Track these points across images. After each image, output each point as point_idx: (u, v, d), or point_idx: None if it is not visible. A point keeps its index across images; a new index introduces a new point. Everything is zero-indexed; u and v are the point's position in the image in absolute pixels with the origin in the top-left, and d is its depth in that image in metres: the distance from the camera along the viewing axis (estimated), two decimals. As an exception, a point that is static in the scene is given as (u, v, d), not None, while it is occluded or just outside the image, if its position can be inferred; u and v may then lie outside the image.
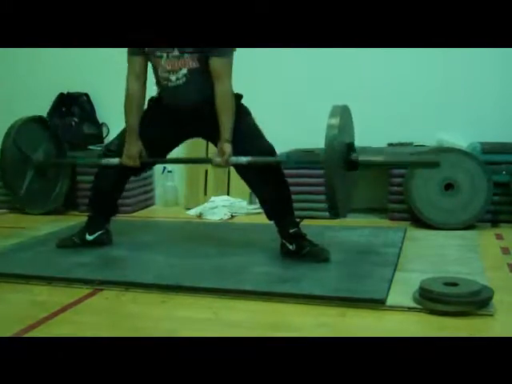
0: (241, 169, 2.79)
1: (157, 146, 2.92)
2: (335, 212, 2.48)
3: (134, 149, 2.85)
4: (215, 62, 2.67)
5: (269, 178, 2.74)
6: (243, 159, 2.73)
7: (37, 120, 3.10)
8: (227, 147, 2.68)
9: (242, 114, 2.79)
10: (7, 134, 2.90)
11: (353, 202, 2.68)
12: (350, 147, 2.60)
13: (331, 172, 2.36)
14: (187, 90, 2.75)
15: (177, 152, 4.42)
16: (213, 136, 2.82)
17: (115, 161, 2.90)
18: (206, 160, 2.95)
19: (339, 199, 2.42)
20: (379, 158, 2.80)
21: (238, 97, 2.83)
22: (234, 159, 2.71)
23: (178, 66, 2.71)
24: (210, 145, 4.08)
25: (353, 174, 2.72)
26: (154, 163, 3.13)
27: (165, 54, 2.70)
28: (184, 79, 2.73)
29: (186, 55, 2.67)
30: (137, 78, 2.82)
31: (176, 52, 2.67)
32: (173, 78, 2.74)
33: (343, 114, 2.46)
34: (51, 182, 3.17)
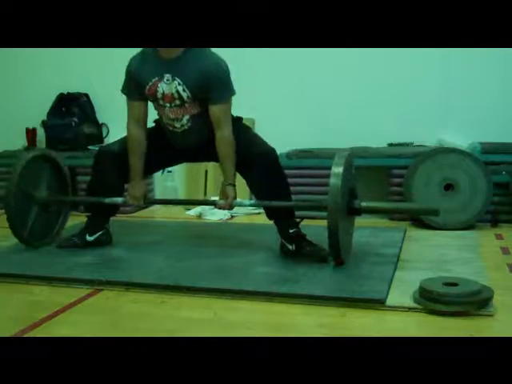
0: (242, 169, 2.80)
1: (154, 164, 3.00)
2: (338, 260, 2.55)
3: (139, 190, 2.91)
4: (214, 109, 2.72)
5: (269, 179, 2.75)
6: (246, 202, 2.88)
7: (38, 157, 3.12)
8: (231, 191, 2.76)
9: (242, 128, 2.88)
10: (11, 178, 2.94)
11: (352, 245, 2.78)
12: (352, 193, 2.65)
13: (335, 222, 2.41)
14: (190, 135, 2.83)
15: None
16: (213, 159, 2.89)
17: (119, 200, 2.94)
18: (209, 202, 3.06)
19: (342, 246, 2.49)
20: (380, 205, 2.92)
21: (238, 119, 2.89)
22: (237, 202, 2.81)
23: (181, 113, 2.77)
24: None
25: (353, 219, 2.80)
26: (160, 204, 3.16)
27: (168, 104, 2.75)
28: (188, 124, 2.79)
29: (187, 104, 2.73)
30: (137, 123, 2.85)
31: (177, 101, 2.73)
32: (177, 125, 2.81)
33: (346, 161, 2.52)
34: (53, 217, 3.20)
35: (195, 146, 2.89)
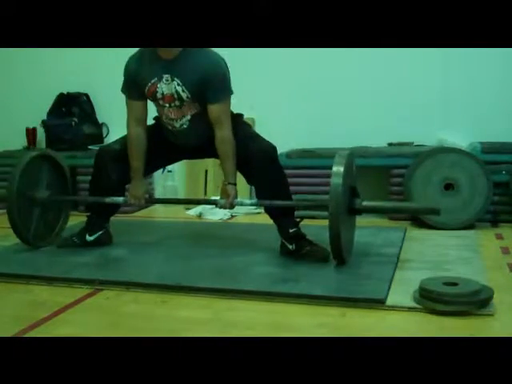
0: (241, 166, 2.80)
1: (154, 162, 2.99)
2: (340, 259, 2.54)
3: (140, 190, 2.90)
4: (213, 109, 2.72)
5: (268, 176, 2.75)
6: (247, 201, 2.89)
7: (36, 157, 3.10)
8: (232, 190, 2.76)
9: (242, 124, 2.87)
10: (11, 183, 2.92)
11: (353, 244, 2.78)
12: (353, 192, 2.66)
13: (336, 221, 2.41)
14: (190, 134, 2.84)
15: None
16: (213, 155, 2.89)
17: (119, 199, 2.95)
18: (210, 202, 3.09)
19: (343, 245, 2.48)
20: (381, 204, 2.90)
21: (239, 116, 2.90)
22: (238, 201, 2.81)
23: (181, 113, 2.77)
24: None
25: (354, 218, 2.80)
26: (161, 203, 3.16)
27: (167, 104, 2.75)
28: (187, 124, 2.80)
29: (186, 104, 2.73)
30: (137, 122, 2.85)
31: (177, 102, 2.73)
32: (177, 124, 2.82)
33: (347, 160, 2.52)
34: (55, 216, 3.20)
35: (195, 144, 2.89)
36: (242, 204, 2.88)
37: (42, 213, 3.08)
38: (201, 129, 2.80)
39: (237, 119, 2.84)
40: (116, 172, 2.92)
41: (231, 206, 2.82)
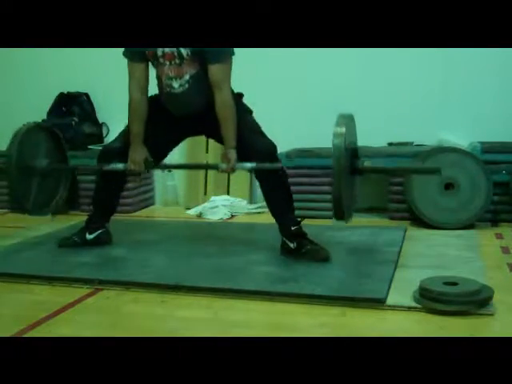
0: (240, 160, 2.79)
1: (156, 144, 2.93)
2: (341, 216, 2.52)
3: (139, 155, 2.87)
4: (213, 70, 2.68)
5: (270, 175, 2.76)
6: (248, 165, 2.80)
7: (36, 127, 3.11)
8: (232, 154, 2.72)
9: (242, 113, 2.82)
10: (9, 150, 2.92)
11: (355, 204, 2.78)
12: (354, 153, 2.64)
13: (339, 178, 2.40)
14: (189, 97, 2.79)
15: (177, 149, 4.43)
16: (214, 133, 2.87)
17: (120, 166, 2.92)
18: (211, 166, 3.03)
19: (345, 203, 2.46)
20: (382, 166, 2.88)
21: (239, 95, 2.86)
22: (239, 165, 2.77)
23: (181, 72, 2.73)
24: (210, 141, 4.08)
25: (356, 178, 2.78)
26: (159, 168, 3.14)
27: (168, 62, 2.72)
28: (186, 86, 2.76)
29: (186, 62, 2.70)
30: (138, 85, 2.83)
31: (177, 60, 2.70)
32: (176, 84, 2.77)
33: (348, 122, 2.50)
34: (53, 186, 3.20)
35: (194, 112, 2.83)
36: (242, 168, 2.80)
37: (41, 182, 3.08)
38: (200, 92, 2.76)
39: (237, 99, 2.80)
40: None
41: (232, 170, 2.78)
